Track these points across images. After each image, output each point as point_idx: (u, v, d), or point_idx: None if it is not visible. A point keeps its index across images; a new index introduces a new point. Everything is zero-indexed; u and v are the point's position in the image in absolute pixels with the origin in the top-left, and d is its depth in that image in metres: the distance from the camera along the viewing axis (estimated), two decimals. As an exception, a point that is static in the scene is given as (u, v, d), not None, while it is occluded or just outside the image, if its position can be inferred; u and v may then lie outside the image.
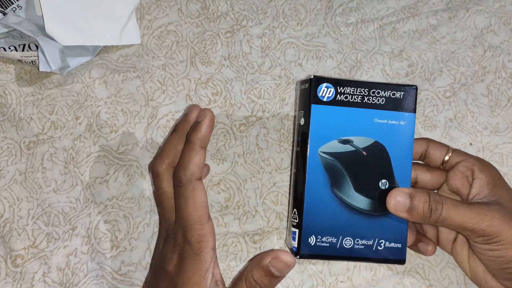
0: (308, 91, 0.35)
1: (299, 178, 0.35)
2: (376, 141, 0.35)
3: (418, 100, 0.44)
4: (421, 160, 0.40)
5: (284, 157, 0.43)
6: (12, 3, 0.48)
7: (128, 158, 0.44)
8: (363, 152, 0.35)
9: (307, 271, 0.39)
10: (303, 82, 0.36)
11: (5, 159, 0.44)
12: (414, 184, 0.39)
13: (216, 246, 0.40)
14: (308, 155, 0.34)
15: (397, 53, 0.47)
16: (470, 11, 0.48)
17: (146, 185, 0.42)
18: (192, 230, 0.32)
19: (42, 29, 0.45)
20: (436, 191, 0.39)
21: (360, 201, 0.34)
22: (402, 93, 0.35)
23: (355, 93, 0.35)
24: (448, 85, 0.45)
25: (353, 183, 0.34)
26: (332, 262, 0.39)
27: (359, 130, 0.35)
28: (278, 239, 0.40)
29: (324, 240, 0.34)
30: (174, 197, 0.34)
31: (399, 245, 0.35)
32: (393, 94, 0.35)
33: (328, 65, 0.47)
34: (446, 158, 0.38)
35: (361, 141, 0.35)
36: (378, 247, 0.34)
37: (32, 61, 0.46)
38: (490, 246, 0.33)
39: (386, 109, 0.35)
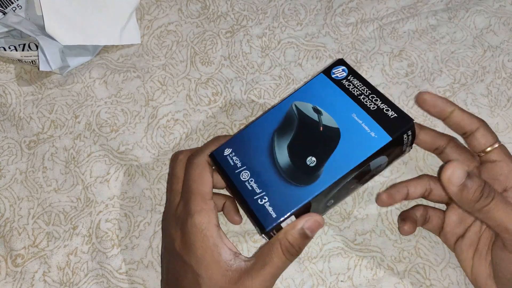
0: (328, 65, 0.38)
1: None
2: (338, 128, 0.35)
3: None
4: (464, 138, 0.37)
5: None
6: (12, 3, 0.48)
7: (129, 157, 0.44)
8: (321, 127, 0.35)
9: (308, 270, 0.39)
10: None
11: (6, 158, 0.44)
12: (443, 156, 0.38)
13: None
14: (284, 100, 0.37)
15: (397, 53, 0.47)
16: (469, 11, 0.48)
17: (146, 184, 0.42)
18: (195, 203, 0.33)
19: (42, 28, 0.45)
20: None
21: (282, 157, 0.34)
22: (395, 115, 0.34)
23: (357, 86, 0.36)
24: (448, 85, 0.45)
25: (291, 141, 0.35)
26: (332, 261, 0.39)
27: (335, 112, 0.35)
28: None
29: (233, 158, 0.35)
30: (184, 177, 0.36)
31: (274, 215, 0.32)
32: (387, 110, 0.34)
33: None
34: (489, 149, 0.36)
35: (327, 119, 0.35)
36: (259, 201, 0.33)
37: (32, 61, 0.46)
38: None
39: (369, 114, 0.34)
